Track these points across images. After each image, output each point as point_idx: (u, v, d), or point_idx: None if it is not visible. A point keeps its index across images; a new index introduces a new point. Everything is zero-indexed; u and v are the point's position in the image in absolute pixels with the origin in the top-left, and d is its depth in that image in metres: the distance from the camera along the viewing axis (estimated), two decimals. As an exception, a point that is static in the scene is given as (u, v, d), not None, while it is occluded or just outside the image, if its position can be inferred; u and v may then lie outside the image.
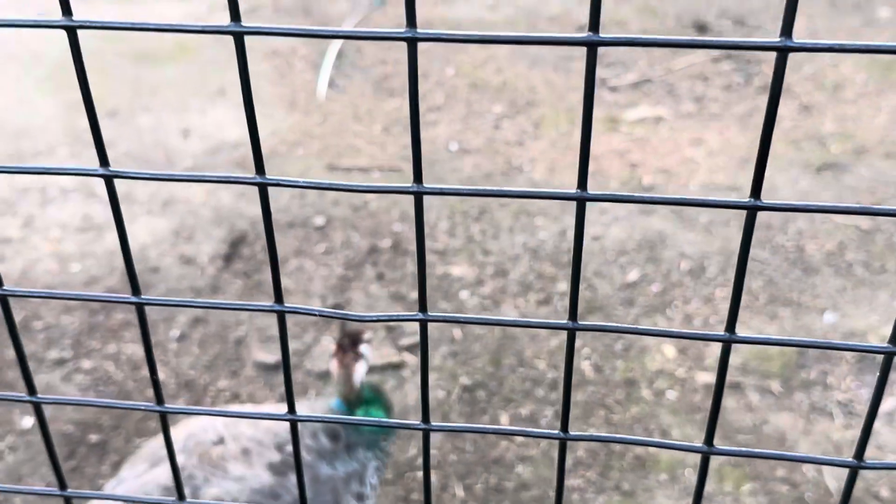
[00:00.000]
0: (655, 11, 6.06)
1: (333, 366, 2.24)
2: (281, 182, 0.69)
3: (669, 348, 3.50)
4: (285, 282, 3.92)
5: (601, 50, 5.62)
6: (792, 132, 4.75)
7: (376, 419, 2.13)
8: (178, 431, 2.11)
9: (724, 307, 3.60)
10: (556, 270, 3.86)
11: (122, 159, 4.59)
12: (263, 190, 0.70)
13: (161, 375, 3.46)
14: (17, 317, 3.63)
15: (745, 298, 3.72)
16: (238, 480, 1.95)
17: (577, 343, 3.53)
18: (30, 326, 3.58)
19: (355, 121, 4.98)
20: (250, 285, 3.86)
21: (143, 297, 0.79)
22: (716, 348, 3.46)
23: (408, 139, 4.79)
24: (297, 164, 4.59)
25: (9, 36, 5.75)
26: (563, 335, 3.50)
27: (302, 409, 2.21)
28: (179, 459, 1.93)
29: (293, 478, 1.93)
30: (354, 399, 2.25)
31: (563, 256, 3.94)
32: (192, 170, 4.52)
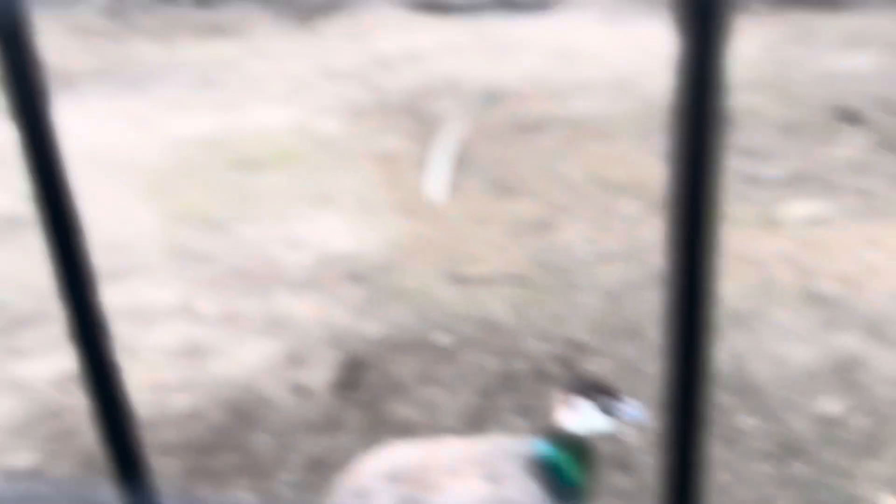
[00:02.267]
0: (798, 98, 5.52)
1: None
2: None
3: (890, 500, 2.80)
4: (409, 412, 3.38)
5: (744, 140, 5.07)
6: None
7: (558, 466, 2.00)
8: (380, 464, 2.11)
9: (960, 448, 2.90)
10: (733, 400, 3.22)
11: (224, 275, 4.17)
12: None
13: (273, 534, 2.90)
14: (112, 459, 3.14)
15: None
16: (458, 495, 1.99)
17: (769, 490, 2.86)
18: (125, 471, 3.09)
19: (475, 225, 4.49)
20: (372, 418, 3.31)
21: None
22: (959, 503, 2.75)
23: (535, 244, 4.27)
24: (414, 276, 4.10)
25: (107, 144, 5.52)
26: (758, 475, 2.84)
27: (503, 442, 2.22)
28: (393, 490, 2.01)
29: (511, 486, 2.00)
30: (560, 442, 2.06)
31: (739, 383, 3.30)
32: (302, 284, 4.07)
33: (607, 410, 2.02)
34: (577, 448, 2.06)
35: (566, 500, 2.05)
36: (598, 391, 2.03)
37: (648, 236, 4.26)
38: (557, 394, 2.09)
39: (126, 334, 3.77)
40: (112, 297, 3.98)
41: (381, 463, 2.10)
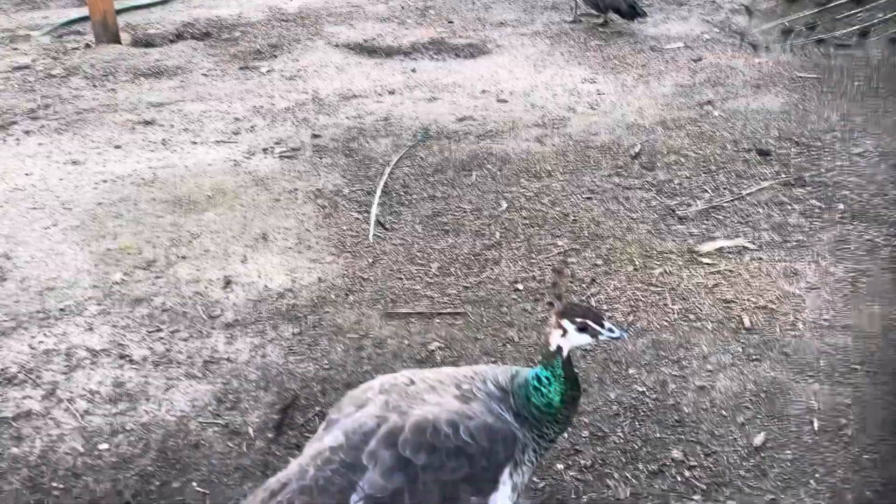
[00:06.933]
0: (712, 138, 5.54)
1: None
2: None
3: None
4: (344, 453, 3.19)
5: (663, 177, 5.06)
6: None
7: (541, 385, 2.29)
8: (373, 382, 2.45)
9: (877, 476, 2.85)
10: (664, 432, 3.13)
11: (158, 314, 3.94)
12: None
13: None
14: (34, 512, 2.89)
15: None
16: (436, 405, 2.27)
17: (702, 524, 2.77)
18: (48, 525, 2.85)
19: (409, 261, 4.36)
20: (306, 461, 3.12)
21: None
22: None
23: (469, 280, 4.16)
24: (349, 312, 3.95)
25: (40, 185, 5.24)
26: (693, 519, 2.74)
27: (488, 367, 2.50)
28: (382, 398, 2.32)
29: (475, 405, 2.29)
30: (549, 362, 2.32)
31: (668, 414, 3.22)
32: (235, 324, 3.88)
33: (591, 332, 2.26)
34: (564, 373, 2.29)
35: (538, 420, 2.31)
36: (582, 315, 2.27)
37: (576, 270, 4.18)
38: (549, 319, 2.34)
39: (53, 379, 3.52)
40: (40, 341, 3.73)
41: (379, 381, 2.42)
